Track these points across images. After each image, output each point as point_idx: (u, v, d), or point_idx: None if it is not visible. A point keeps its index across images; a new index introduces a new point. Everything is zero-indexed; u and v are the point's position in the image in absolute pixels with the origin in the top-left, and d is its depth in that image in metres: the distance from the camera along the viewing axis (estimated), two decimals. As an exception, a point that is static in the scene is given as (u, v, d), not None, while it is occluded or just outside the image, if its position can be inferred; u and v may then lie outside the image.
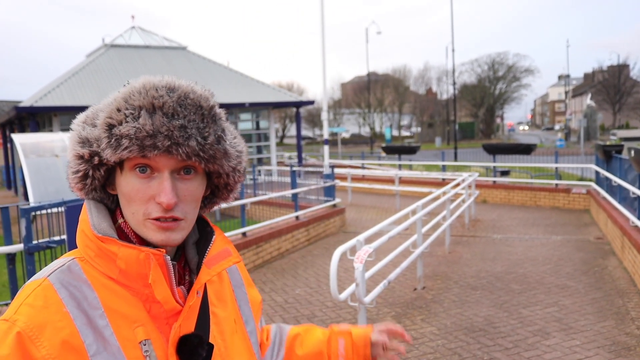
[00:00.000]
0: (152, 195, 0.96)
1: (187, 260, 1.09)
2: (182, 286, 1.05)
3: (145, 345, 0.96)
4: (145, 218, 0.97)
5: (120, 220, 1.03)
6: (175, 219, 0.97)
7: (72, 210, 4.42)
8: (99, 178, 1.00)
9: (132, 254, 0.95)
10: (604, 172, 11.71)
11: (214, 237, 1.09)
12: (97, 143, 0.96)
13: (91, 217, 1.00)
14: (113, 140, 0.93)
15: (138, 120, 0.92)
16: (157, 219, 0.96)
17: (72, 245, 4.26)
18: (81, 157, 0.98)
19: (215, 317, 1.09)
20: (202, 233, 1.11)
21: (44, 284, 0.94)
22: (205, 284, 1.08)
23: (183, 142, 0.94)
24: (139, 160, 0.95)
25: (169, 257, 0.98)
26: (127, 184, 0.97)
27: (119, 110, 0.93)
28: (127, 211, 0.99)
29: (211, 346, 1.03)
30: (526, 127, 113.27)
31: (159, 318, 0.99)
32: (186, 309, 1.01)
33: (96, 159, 0.97)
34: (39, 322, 0.90)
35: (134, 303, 0.97)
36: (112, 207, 1.05)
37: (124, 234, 1.01)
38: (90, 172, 0.99)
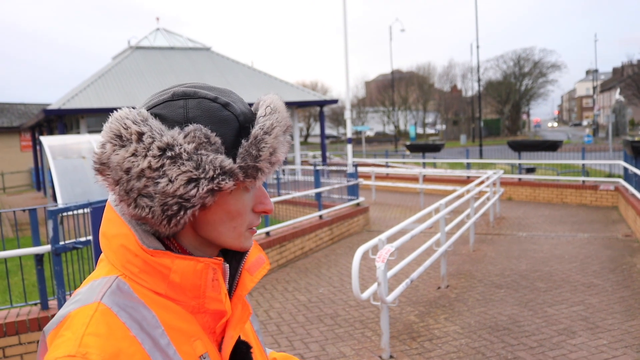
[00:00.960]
0: (252, 206, 0.98)
1: None
2: None
3: (205, 358, 0.93)
4: (247, 228, 0.98)
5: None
6: None
7: (98, 212, 4.51)
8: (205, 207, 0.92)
9: (189, 266, 0.90)
10: (633, 169, 11.50)
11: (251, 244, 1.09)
12: (245, 173, 0.91)
13: (136, 231, 0.92)
14: (270, 167, 0.94)
15: (284, 145, 0.95)
16: (252, 227, 1.00)
17: (98, 245, 4.33)
18: (218, 190, 0.88)
19: None
20: None
21: (101, 308, 0.86)
22: None
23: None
24: None
25: (227, 265, 0.98)
26: (238, 201, 0.95)
27: (276, 137, 0.94)
28: (226, 227, 0.95)
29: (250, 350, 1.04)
30: (555, 124, 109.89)
31: (204, 328, 0.97)
32: (237, 316, 1.00)
33: (233, 188, 0.92)
34: (112, 352, 0.82)
35: (187, 317, 0.94)
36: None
37: (165, 246, 0.95)
38: (211, 203, 0.90)
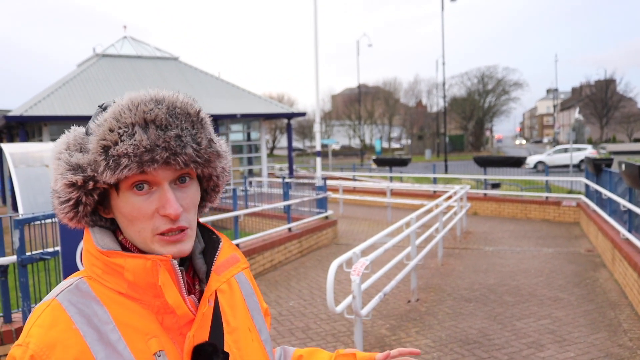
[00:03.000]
0: (154, 210, 0.97)
1: (195, 270, 1.09)
2: (193, 295, 1.05)
3: (159, 356, 0.96)
4: (153, 234, 0.97)
5: (120, 237, 1.03)
6: (182, 229, 0.99)
7: (67, 221, 4.41)
8: (91, 203, 0.98)
9: (138, 264, 0.95)
10: (594, 185, 11.81)
11: (220, 244, 1.10)
12: (91, 167, 0.94)
13: (94, 236, 1.00)
14: (111, 161, 0.92)
15: (134, 137, 0.92)
16: (164, 233, 0.97)
17: (66, 256, 4.22)
18: (73, 184, 0.96)
19: (229, 326, 1.09)
20: (208, 241, 1.12)
21: (53, 304, 0.95)
22: (216, 293, 1.08)
23: (180, 152, 0.95)
24: (137, 177, 0.95)
25: (176, 262, 0.98)
26: (127, 204, 0.97)
27: (111, 130, 0.93)
28: (131, 231, 0.99)
29: (226, 355, 1.03)
30: (523, 141, 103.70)
31: (172, 329, 0.99)
32: (199, 317, 1.00)
33: (90, 183, 0.95)
34: (49, 342, 0.90)
35: (146, 315, 0.98)
36: (111, 228, 1.05)
37: (127, 249, 1.02)
38: (83, 199, 0.97)
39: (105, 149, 0.92)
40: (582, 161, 30.17)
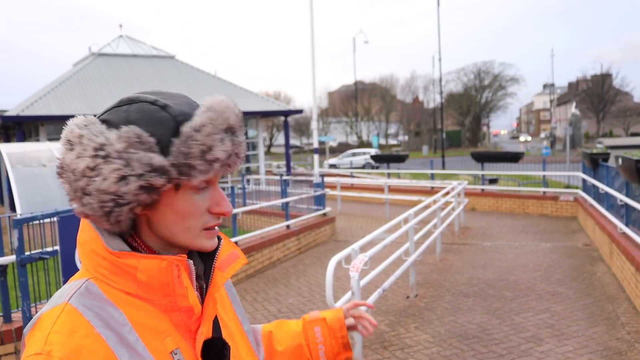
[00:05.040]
0: (206, 207, 1.00)
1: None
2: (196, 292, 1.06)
3: (176, 354, 0.96)
4: (201, 229, 1.00)
5: (128, 238, 1.01)
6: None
7: (65, 221, 4.40)
8: (144, 204, 0.94)
9: (153, 264, 0.94)
10: (591, 180, 11.84)
11: (221, 241, 1.11)
12: (178, 170, 0.92)
13: (102, 235, 0.96)
14: (206, 165, 0.94)
15: (224, 143, 0.95)
16: (209, 228, 1.01)
17: (65, 255, 4.23)
18: (150, 187, 0.91)
19: (222, 320, 1.12)
20: None
21: (67, 308, 0.91)
22: None
23: (243, 157, 1.01)
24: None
25: (191, 261, 1.00)
26: (186, 201, 0.97)
27: (208, 135, 0.94)
28: (178, 227, 0.98)
29: (229, 348, 1.05)
30: (529, 138, 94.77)
31: (180, 326, 1.00)
32: (210, 313, 1.02)
33: (168, 185, 0.93)
34: (74, 348, 0.87)
35: (157, 314, 0.97)
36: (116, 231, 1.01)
37: (132, 247, 1.00)
38: (148, 201, 0.93)
39: (203, 153, 0.93)
40: (366, 163, 36.12)
